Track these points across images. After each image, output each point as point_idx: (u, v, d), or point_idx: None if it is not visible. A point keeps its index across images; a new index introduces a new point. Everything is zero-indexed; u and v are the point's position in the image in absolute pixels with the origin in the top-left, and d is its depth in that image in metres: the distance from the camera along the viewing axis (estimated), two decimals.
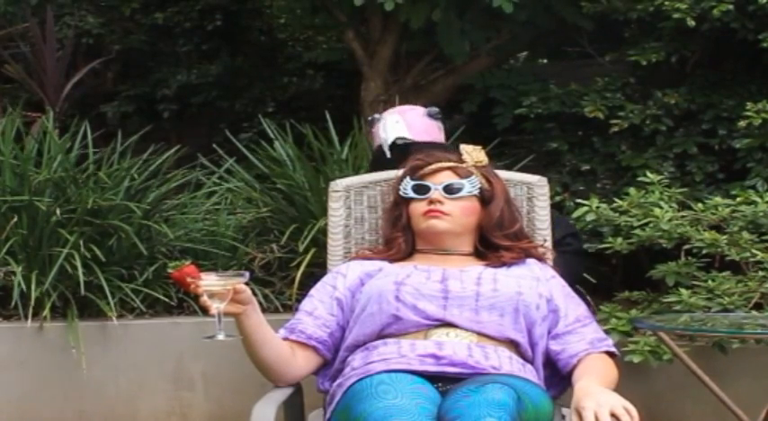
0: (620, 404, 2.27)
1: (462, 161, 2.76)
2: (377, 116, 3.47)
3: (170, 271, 2.36)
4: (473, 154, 2.79)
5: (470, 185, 2.71)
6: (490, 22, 4.71)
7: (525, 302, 2.57)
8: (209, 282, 2.33)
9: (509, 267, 2.68)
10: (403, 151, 3.22)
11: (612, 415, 2.25)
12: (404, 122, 3.37)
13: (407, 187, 2.74)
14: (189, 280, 2.33)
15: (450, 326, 2.53)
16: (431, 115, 3.41)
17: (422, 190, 2.72)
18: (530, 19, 4.62)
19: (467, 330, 2.53)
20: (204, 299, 2.33)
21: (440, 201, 2.69)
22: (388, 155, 3.32)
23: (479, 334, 2.53)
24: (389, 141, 3.34)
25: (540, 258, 2.77)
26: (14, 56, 5.84)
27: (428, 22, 4.58)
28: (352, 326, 2.61)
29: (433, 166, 2.74)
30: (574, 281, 3.27)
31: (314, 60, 5.90)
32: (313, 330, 2.61)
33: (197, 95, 6.04)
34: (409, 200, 2.74)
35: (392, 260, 2.73)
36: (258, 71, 6.17)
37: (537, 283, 2.64)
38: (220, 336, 2.34)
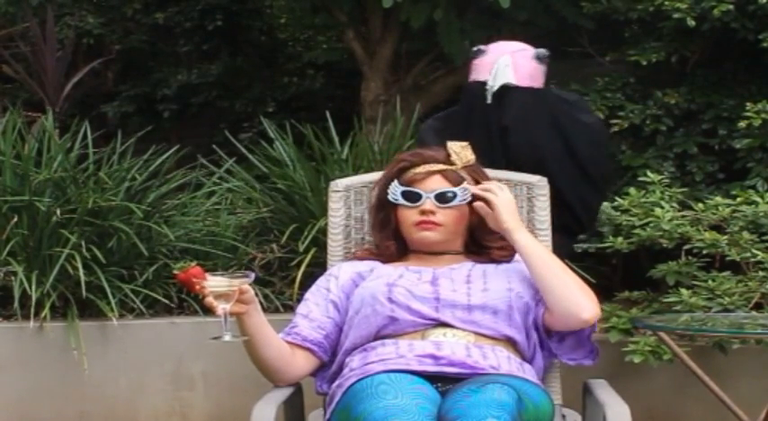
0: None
1: (450, 162, 2.72)
2: (482, 48, 3.24)
3: (176, 272, 2.37)
4: (461, 153, 2.72)
5: (462, 193, 2.66)
6: (490, 22, 4.71)
7: (518, 295, 2.56)
8: (214, 283, 2.34)
9: (498, 264, 2.68)
10: (501, 97, 3.14)
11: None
12: (512, 64, 3.18)
13: (396, 192, 2.68)
14: (195, 281, 2.33)
15: (447, 326, 2.53)
16: (539, 58, 3.22)
17: (412, 197, 2.66)
18: (530, 19, 4.62)
19: (463, 330, 2.52)
20: (210, 300, 2.34)
21: (432, 212, 2.64)
22: (489, 100, 3.15)
23: (476, 333, 2.53)
24: (496, 88, 3.15)
25: None
26: (14, 56, 5.84)
27: (428, 21, 4.58)
28: (347, 330, 2.60)
29: (422, 170, 2.68)
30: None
31: (314, 60, 5.91)
32: (308, 332, 2.61)
33: (197, 95, 6.05)
34: (396, 206, 2.69)
35: (385, 261, 2.72)
36: (258, 71, 6.18)
37: (526, 278, 2.63)
38: (227, 338, 2.35)
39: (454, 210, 2.66)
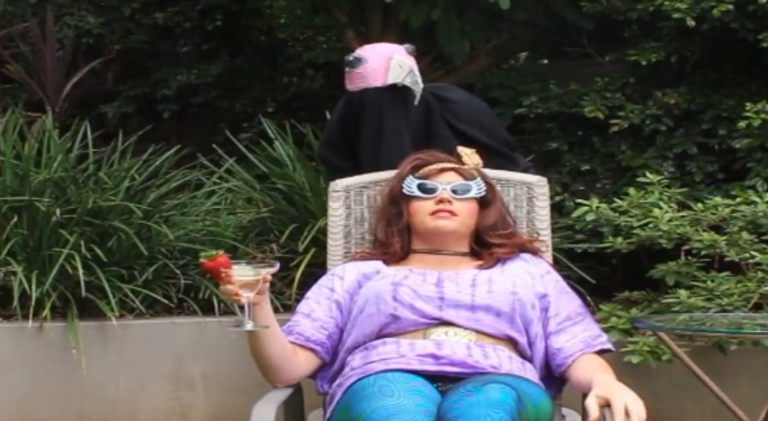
0: (641, 411, 2.25)
1: (462, 162, 2.78)
2: (359, 57, 3.15)
3: (203, 260, 2.37)
4: (472, 157, 2.80)
5: (476, 187, 2.73)
6: (490, 22, 4.71)
7: (521, 302, 2.57)
8: (240, 272, 2.34)
9: (504, 264, 2.69)
10: (407, 97, 3.13)
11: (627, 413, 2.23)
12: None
13: (412, 185, 2.74)
14: (222, 270, 2.34)
15: (449, 325, 2.54)
16: (411, 53, 3.18)
17: (428, 189, 2.72)
18: (530, 19, 4.62)
19: (465, 329, 2.53)
20: (234, 288, 2.33)
21: (449, 201, 2.69)
22: (416, 102, 3.13)
23: (478, 332, 2.53)
24: (420, 88, 3.15)
25: (535, 252, 2.77)
26: (14, 56, 5.84)
27: (428, 21, 4.57)
28: (350, 329, 2.61)
29: (438, 166, 2.75)
30: None
31: (314, 60, 5.90)
32: (311, 333, 2.61)
33: (197, 95, 6.04)
34: (411, 198, 2.73)
35: (388, 262, 2.73)
36: (258, 71, 6.17)
37: (532, 281, 2.64)
38: (248, 327, 2.36)
39: (468, 203, 2.70)
